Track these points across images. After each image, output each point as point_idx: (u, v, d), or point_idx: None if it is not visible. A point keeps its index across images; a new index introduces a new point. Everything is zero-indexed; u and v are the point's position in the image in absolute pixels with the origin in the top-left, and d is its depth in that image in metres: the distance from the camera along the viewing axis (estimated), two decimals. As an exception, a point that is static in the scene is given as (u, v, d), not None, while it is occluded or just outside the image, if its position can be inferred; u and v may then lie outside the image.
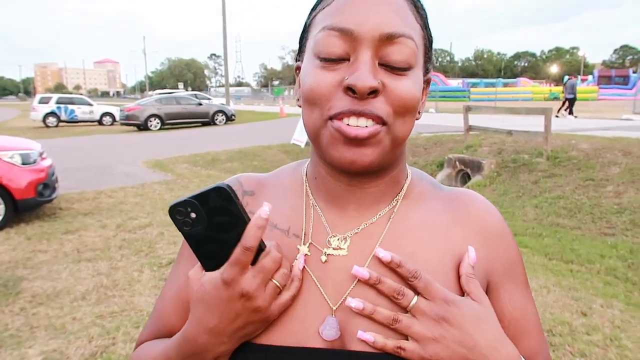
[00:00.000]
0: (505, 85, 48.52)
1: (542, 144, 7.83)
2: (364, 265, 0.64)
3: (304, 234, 0.67)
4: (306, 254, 0.66)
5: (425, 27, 0.65)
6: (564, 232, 5.50)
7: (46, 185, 6.25)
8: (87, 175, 9.59)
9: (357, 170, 0.62)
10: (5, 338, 3.26)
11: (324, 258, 0.65)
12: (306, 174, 0.73)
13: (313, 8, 0.67)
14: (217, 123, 21.92)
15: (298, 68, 0.70)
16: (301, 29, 0.70)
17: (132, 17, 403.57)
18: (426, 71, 0.67)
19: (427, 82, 0.68)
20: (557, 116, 17.65)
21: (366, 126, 0.59)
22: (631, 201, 5.85)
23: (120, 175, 9.55)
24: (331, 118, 0.60)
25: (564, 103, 18.82)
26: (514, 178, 7.50)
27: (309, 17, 0.68)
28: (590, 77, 46.98)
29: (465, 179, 8.19)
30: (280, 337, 0.62)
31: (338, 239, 0.66)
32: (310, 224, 0.68)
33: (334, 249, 0.65)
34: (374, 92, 0.58)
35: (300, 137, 12.74)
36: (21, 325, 3.44)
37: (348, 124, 0.59)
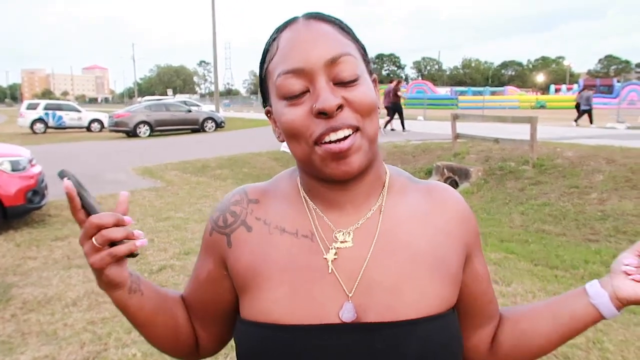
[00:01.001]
0: (493, 93, 48.92)
1: (528, 152, 7.97)
2: (367, 256, 0.75)
3: (312, 234, 0.77)
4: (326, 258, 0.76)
5: (355, 40, 0.78)
6: (549, 239, 5.61)
7: (36, 192, 6.24)
8: (76, 182, 9.54)
9: (350, 177, 0.73)
10: (-3, 344, 3.26)
11: (334, 251, 0.76)
12: (300, 185, 0.83)
13: (262, 62, 0.79)
14: (207, 130, 21.91)
15: (268, 112, 0.81)
16: (259, 81, 0.82)
17: (121, 23, 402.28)
18: (370, 73, 0.78)
19: (374, 81, 0.80)
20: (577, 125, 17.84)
21: (344, 137, 0.70)
22: (614, 208, 5.99)
23: (109, 182, 9.53)
24: (316, 142, 0.71)
25: (580, 114, 18.81)
26: (501, 185, 7.62)
27: (261, 70, 0.79)
28: (575, 86, 47.63)
29: (452, 186, 8.29)
30: (304, 319, 0.73)
31: (343, 234, 0.77)
32: (317, 225, 0.78)
33: (341, 242, 0.76)
34: (340, 108, 0.70)
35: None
36: (12, 331, 3.45)
37: (330, 141, 0.70)
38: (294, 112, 0.71)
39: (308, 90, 0.71)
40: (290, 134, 0.73)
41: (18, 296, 4.08)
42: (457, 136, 9.71)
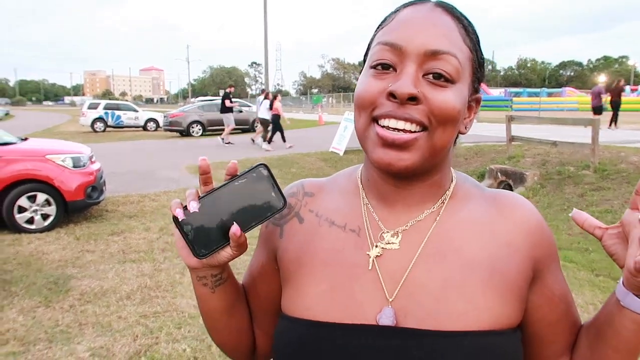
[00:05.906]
0: (550, 95, 46.95)
1: (589, 156, 7.59)
2: (413, 258, 0.71)
3: (359, 229, 0.75)
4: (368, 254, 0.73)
5: (474, 50, 0.71)
6: (611, 248, 5.30)
7: (94, 188, 6.51)
8: (132, 179, 9.91)
9: (394, 172, 0.68)
10: (56, 333, 3.41)
11: (379, 251, 0.72)
12: (360, 177, 0.81)
13: (376, 28, 0.75)
14: (257, 130, 22.22)
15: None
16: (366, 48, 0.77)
17: (177, 26, 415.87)
18: (474, 91, 0.72)
19: (476, 101, 0.74)
20: None
21: (404, 129, 0.65)
22: (685, 217, 5.59)
23: (163, 180, 9.82)
24: (374, 119, 0.68)
25: None
26: (559, 190, 7.29)
27: (372, 37, 0.75)
28: (640, 87, 45.13)
29: (507, 190, 8.02)
30: (341, 317, 0.70)
31: (390, 235, 0.73)
32: (366, 220, 0.75)
33: (387, 243, 0.72)
34: (413, 100, 0.65)
35: (339, 145, 12.77)
36: (70, 321, 3.59)
37: (388, 126, 0.66)
38: (370, 84, 0.68)
39: (395, 70, 0.67)
40: (357, 103, 0.70)
41: (76, 287, 4.25)
42: (512, 139, 9.38)
